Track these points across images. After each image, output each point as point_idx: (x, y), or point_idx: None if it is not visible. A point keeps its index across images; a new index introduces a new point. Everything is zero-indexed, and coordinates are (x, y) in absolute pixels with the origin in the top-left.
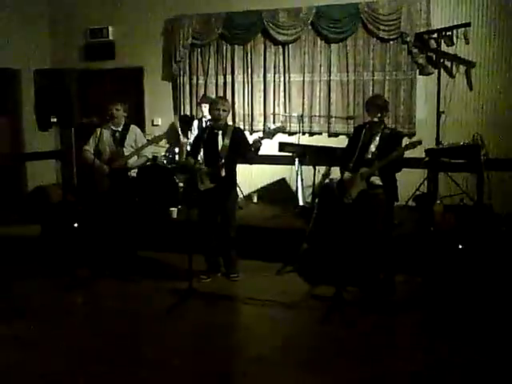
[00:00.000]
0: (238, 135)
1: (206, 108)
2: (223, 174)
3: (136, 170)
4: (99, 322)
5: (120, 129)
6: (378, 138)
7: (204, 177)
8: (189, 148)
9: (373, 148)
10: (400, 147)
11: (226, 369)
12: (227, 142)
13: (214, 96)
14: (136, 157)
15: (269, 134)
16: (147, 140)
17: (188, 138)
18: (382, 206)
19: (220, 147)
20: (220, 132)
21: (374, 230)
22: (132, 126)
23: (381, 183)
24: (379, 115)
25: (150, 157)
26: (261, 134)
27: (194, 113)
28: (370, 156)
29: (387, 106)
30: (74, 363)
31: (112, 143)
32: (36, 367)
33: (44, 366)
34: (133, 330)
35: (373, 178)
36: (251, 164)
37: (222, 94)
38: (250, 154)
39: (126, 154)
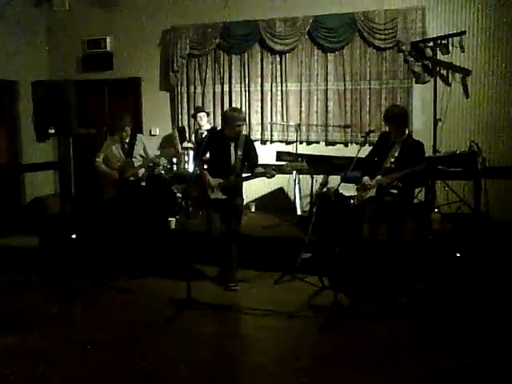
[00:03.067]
0: (249, 146)
1: (204, 117)
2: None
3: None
4: (98, 332)
5: (128, 140)
6: (398, 148)
7: (215, 187)
8: (188, 157)
9: (391, 158)
10: (396, 172)
11: (226, 378)
12: (240, 154)
13: (211, 106)
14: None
15: (286, 169)
16: (159, 154)
17: (184, 149)
18: (389, 213)
19: (233, 160)
20: (232, 143)
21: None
22: (138, 135)
23: (394, 191)
24: (387, 126)
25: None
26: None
27: (192, 122)
28: (387, 165)
29: (396, 117)
30: (73, 373)
31: (121, 154)
32: (36, 378)
33: (44, 376)
34: (132, 340)
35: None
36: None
37: (219, 104)
38: (258, 170)
39: (135, 164)
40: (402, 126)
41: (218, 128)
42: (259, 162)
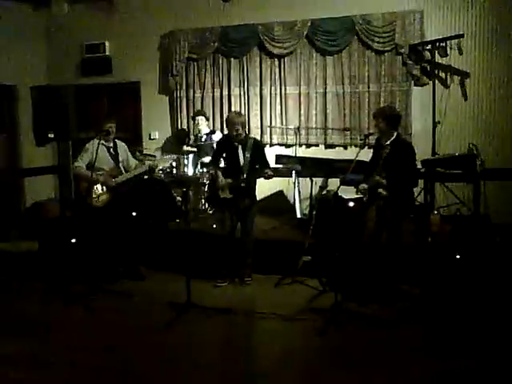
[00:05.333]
0: (258, 149)
1: (202, 121)
2: (242, 185)
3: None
4: (98, 336)
5: (111, 145)
6: (388, 150)
7: (225, 187)
8: (187, 161)
9: (381, 161)
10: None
11: (225, 382)
12: (248, 156)
13: (210, 110)
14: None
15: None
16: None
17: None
18: (384, 216)
19: (242, 162)
20: (240, 146)
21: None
22: (117, 141)
23: (385, 193)
24: (377, 123)
25: (147, 169)
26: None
27: (191, 126)
28: (377, 167)
29: (379, 116)
30: (74, 379)
31: (110, 160)
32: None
33: (45, 382)
34: (132, 344)
35: (380, 189)
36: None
37: (218, 108)
38: (266, 171)
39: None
40: (391, 124)
41: (225, 132)
42: None
